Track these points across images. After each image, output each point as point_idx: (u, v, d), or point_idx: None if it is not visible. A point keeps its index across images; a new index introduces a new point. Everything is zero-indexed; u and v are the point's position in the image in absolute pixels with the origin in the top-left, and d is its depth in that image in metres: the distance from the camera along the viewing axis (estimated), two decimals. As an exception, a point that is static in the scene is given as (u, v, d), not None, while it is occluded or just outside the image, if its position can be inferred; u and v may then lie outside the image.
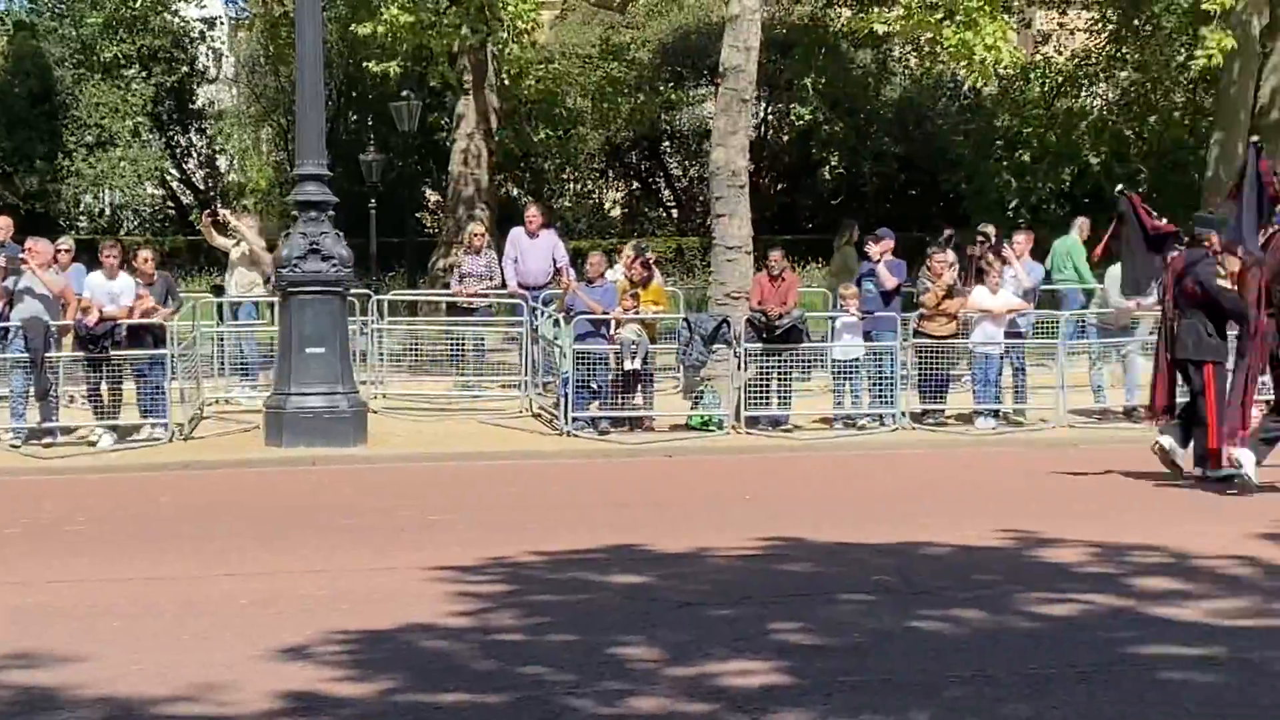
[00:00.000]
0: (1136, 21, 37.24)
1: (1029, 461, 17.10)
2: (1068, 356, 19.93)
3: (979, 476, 15.98)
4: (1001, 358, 19.58)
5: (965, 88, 38.99)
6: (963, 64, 24.12)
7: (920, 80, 40.69)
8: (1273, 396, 14.44)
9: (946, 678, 7.14)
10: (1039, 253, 22.01)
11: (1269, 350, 13.46)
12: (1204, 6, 25.06)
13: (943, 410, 19.71)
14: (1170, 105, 38.79)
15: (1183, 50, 34.03)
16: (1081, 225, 23.95)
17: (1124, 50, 38.24)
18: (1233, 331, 14.32)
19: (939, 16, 23.60)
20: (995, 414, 19.62)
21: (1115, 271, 20.36)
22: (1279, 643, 7.73)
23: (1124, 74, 39.11)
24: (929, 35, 25.42)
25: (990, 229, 21.88)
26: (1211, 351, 14.08)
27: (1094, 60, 39.00)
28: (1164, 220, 15.73)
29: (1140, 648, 7.68)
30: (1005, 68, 26.11)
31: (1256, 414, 14.42)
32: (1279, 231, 13.57)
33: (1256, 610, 8.51)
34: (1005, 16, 25.13)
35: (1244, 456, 13.55)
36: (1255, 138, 17.60)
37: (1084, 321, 20.92)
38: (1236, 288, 13.88)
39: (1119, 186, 16.05)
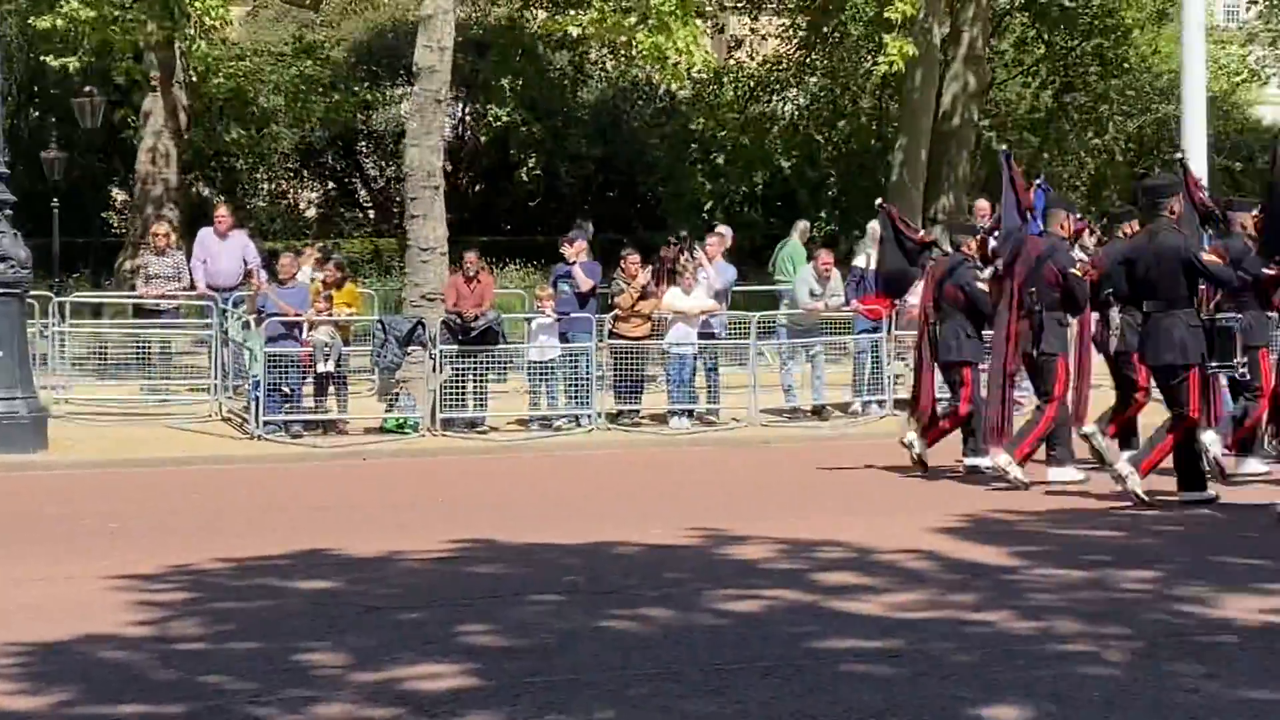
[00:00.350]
0: (825, 29, 38.07)
1: (722, 460, 17.37)
2: (759, 356, 20.28)
3: (673, 476, 16.16)
4: (695, 358, 19.83)
5: (660, 91, 39.38)
6: (656, 67, 24.36)
7: (616, 83, 40.98)
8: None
9: (632, 676, 7.17)
10: (730, 254, 22.35)
11: (1023, 351, 13.88)
12: (887, 15, 25.74)
13: (638, 411, 19.89)
14: (858, 111, 39.75)
15: (869, 57, 34.91)
16: (802, 229, 24.46)
17: (814, 57, 39.06)
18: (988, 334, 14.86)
19: (632, 20, 23.81)
20: (689, 414, 19.86)
21: (806, 274, 20.83)
22: (953, 634, 7.93)
23: (814, 80, 39.93)
24: (623, 38, 25.62)
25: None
26: (971, 352, 14.74)
27: (785, 66, 39.73)
28: (920, 231, 16.62)
29: (823, 642, 7.82)
30: (699, 71, 26.51)
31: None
32: (1028, 238, 14.05)
33: (932, 603, 8.73)
34: (698, 21, 25.45)
35: (1003, 459, 13.85)
36: (1005, 146, 18.21)
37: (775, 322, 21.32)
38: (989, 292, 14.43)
39: (878, 201, 16.87)
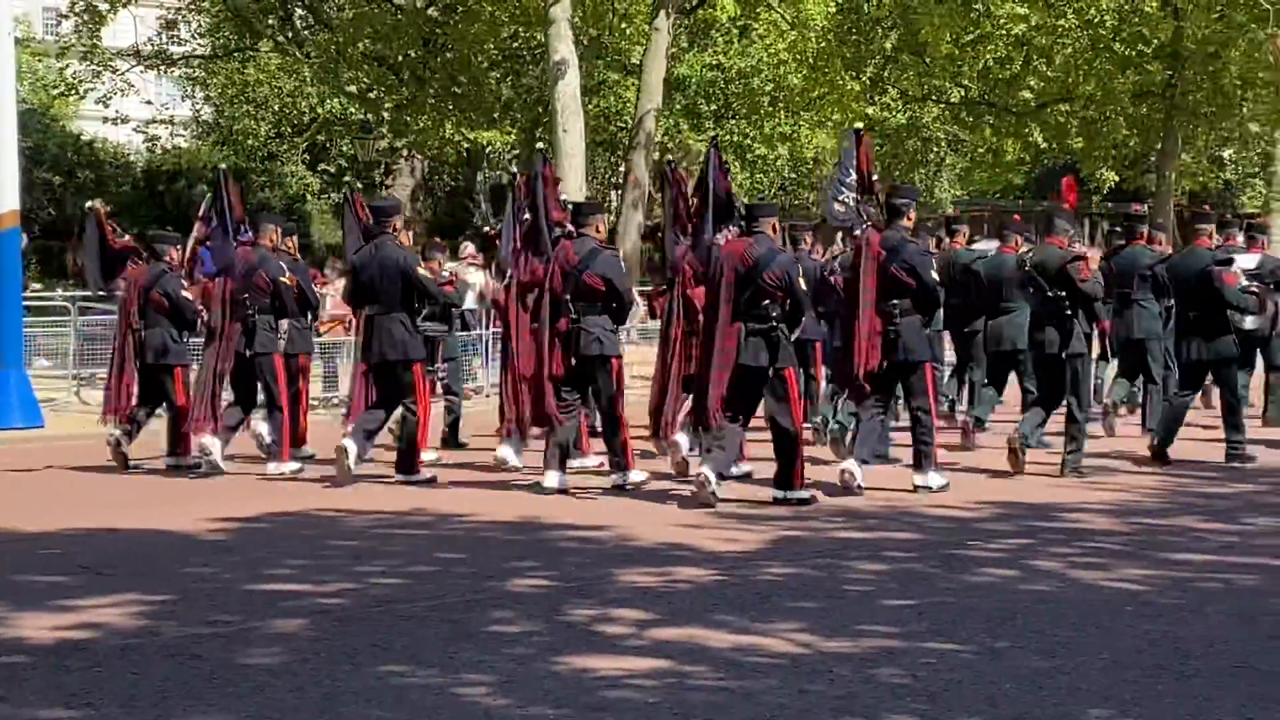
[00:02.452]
0: None
1: None
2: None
3: None
4: None
5: None
6: None
7: None
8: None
9: None
10: None
11: (237, 351, 14.94)
12: None
13: None
14: None
15: None
16: None
17: None
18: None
19: None
20: None
21: None
22: None
23: None
24: None
25: None
26: (176, 356, 15.56)
27: None
28: (125, 237, 16.85)
29: None
30: None
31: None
32: (238, 247, 15.12)
33: None
34: None
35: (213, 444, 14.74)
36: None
37: None
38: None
39: (89, 203, 16.41)
